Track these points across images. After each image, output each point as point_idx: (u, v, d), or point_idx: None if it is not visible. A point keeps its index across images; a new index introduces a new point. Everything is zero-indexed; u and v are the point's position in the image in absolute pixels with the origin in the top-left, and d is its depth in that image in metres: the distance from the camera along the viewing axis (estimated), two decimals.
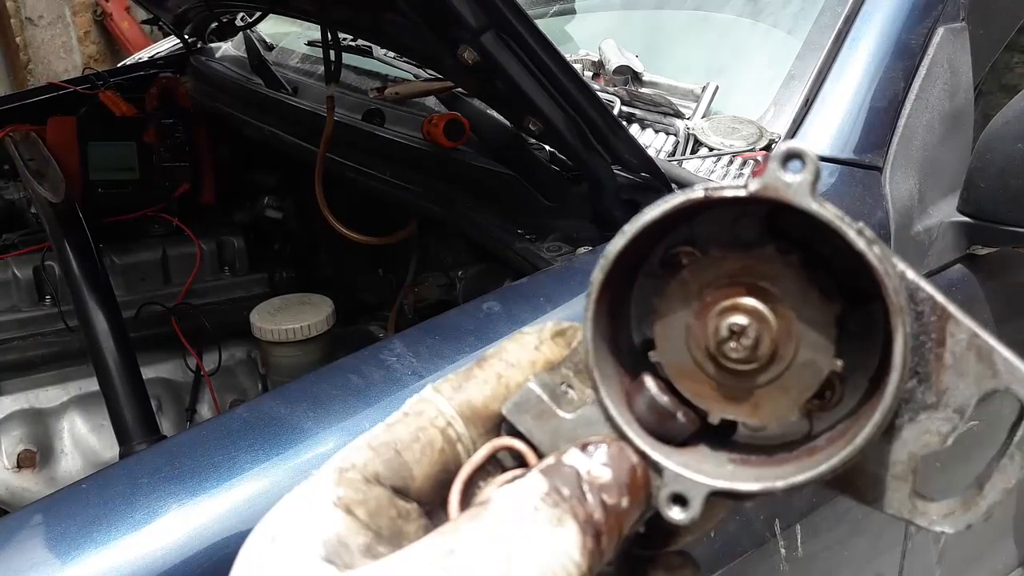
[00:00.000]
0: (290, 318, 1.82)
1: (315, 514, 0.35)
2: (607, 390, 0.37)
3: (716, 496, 0.36)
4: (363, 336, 1.83)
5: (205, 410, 1.95)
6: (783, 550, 1.14)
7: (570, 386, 0.39)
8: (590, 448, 0.36)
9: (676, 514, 0.36)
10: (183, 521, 0.80)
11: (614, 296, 0.38)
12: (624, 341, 0.40)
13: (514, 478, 0.35)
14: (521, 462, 0.39)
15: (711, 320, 0.37)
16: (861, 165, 1.24)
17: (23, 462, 1.80)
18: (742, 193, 0.34)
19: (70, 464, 1.83)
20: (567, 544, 0.32)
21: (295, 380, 0.97)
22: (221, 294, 2.11)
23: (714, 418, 0.38)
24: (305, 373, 0.98)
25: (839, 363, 0.36)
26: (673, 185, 1.19)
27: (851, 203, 1.23)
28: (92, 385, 1.73)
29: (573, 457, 0.35)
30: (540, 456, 0.38)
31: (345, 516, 0.35)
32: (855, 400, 0.38)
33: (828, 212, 0.34)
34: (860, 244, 0.34)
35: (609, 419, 0.37)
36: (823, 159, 1.24)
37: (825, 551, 1.21)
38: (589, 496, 0.34)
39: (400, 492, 0.37)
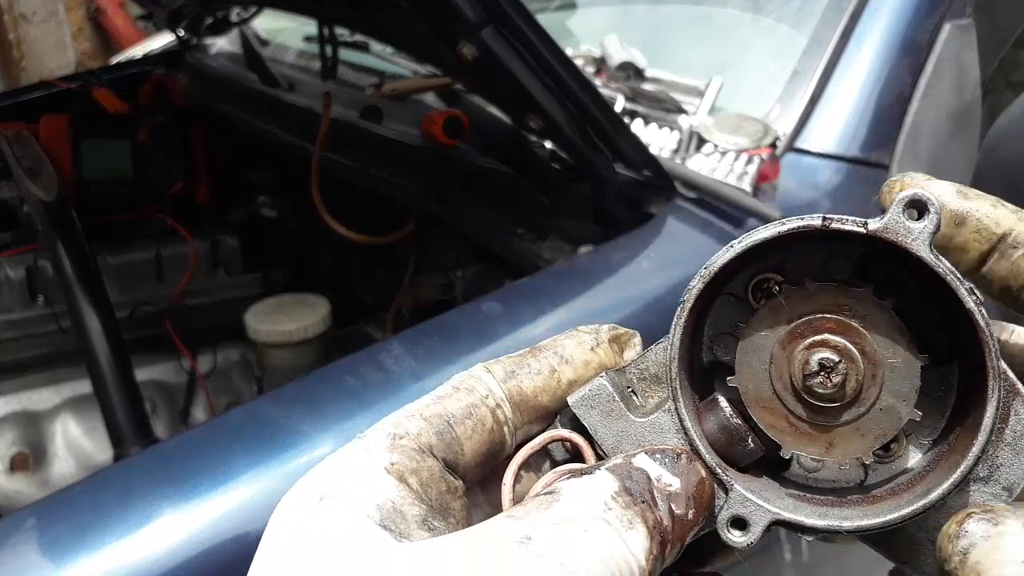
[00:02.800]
0: (286, 319, 1.80)
1: (367, 477, 0.34)
2: (683, 403, 0.37)
3: (776, 525, 0.35)
4: (360, 337, 1.82)
5: (199, 413, 1.94)
6: (788, 555, 1.13)
7: (633, 392, 0.39)
8: (659, 455, 0.35)
9: (735, 537, 0.35)
10: (177, 525, 0.79)
11: (697, 311, 0.38)
12: (696, 358, 0.40)
13: (580, 472, 0.34)
14: (574, 456, 0.39)
15: (799, 353, 0.36)
16: (868, 163, 1.23)
17: (16, 465, 1.78)
18: (862, 230, 0.35)
19: (63, 467, 1.82)
20: (636, 547, 0.32)
21: (291, 382, 0.96)
22: (216, 294, 2.09)
23: (786, 452, 0.37)
24: (301, 375, 0.98)
25: (919, 414, 0.36)
26: (676, 184, 1.17)
27: (857, 202, 1.22)
28: (85, 387, 1.71)
29: (643, 461, 0.35)
30: (600, 455, 0.38)
31: (398, 484, 0.34)
32: (915, 457, 0.38)
33: (944, 266, 0.34)
34: (970, 303, 0.33)
35: (684, 430, 0.37)
36: (829, 157, 1.23)
37: (831, 557, 1.20)
38: (660, 503, 0.33)
39: (449, 466, 0.36)
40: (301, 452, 0.85)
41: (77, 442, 1.84)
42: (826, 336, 0.36)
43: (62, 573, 0.74)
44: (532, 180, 1.32)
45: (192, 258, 2.06)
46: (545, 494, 0.33)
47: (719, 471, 0.36)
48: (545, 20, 1.18)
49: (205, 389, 1.94)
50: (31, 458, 1.80)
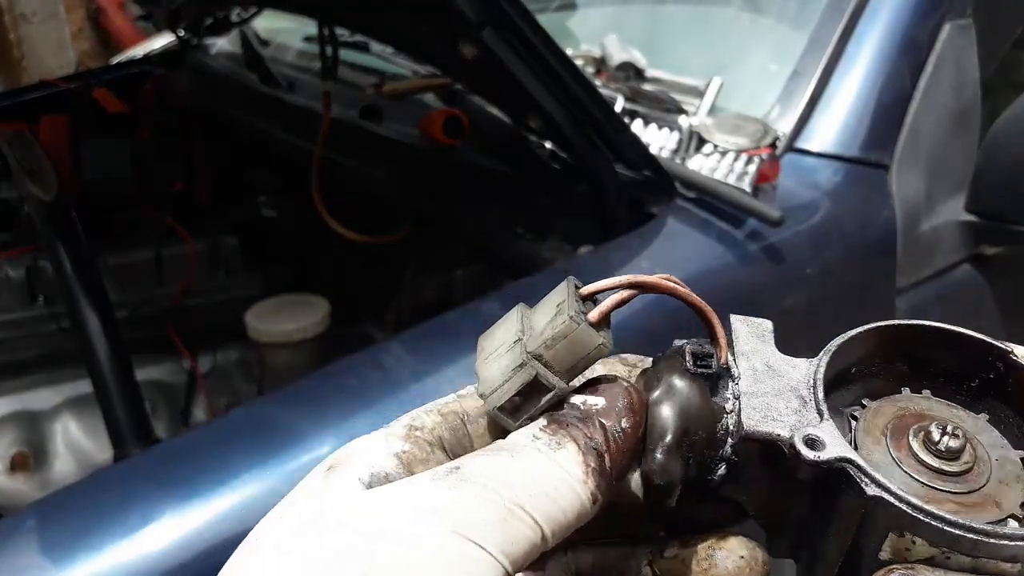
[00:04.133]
0: (286, 319, 1.80)
1: (375, 456, 0.36)
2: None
3: (846, 463, 0.34)
4: (360, 337, 1.82)
5: (200, 413, 1.94)
6: None
7: None
8: (583, 389, 0.37)
9: (806, 452, 0.34)
10: (177, 526, 0.79)
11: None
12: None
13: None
14: None
15: (913, 434, 0.36)
16: (868, 163, 1.23)
17: (16, 465, 1.78)
18: None
19: (63, 467, 1.82)
20: (567, 463, 0.33)
21: (291, 382, 0.96)
22: (216, 295, 2.09)
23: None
24: (301, 375, 0.97)
25: None
26: (676, 184, 1.17)
27: (857, 202, 1.22)
28: (85, 387, 1.71)
29: (573, 398, 0.36)
30: None
31: (404, 469, 0.36)
32: None
33: None
34: None
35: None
36: (829, 157, 1.23)
37: None
38: (587, 421, 0.35)
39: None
40: (301, 452, 0.85)
41: (77, 442, 1.84)
42: (925, 419, 0.37)
43: (62, 573, 0.74)
44: (532, 180, 1.32)
45: (192, 258, 2.05)
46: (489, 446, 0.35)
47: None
48: (545, 20, 1.18)
49: (205, 389, 1.94)
50: (31, 458, 1.80)
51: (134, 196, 2.10)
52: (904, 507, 0.33)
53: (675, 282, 0.38)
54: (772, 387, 0.37)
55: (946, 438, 0.35)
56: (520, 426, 0.36)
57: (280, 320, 1.81)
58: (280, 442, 0.86)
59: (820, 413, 0.36)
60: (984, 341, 0.38)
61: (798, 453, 0.34)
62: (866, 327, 0.38)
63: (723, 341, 0.39)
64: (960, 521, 0.32)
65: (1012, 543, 0.32)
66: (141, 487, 0.82)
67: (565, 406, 0.36)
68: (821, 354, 0.38)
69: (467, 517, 0.31)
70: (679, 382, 0.37)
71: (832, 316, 1.18)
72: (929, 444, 0.36)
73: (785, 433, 0.35)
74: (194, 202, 2.20)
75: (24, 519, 0.80)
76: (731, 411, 0.37)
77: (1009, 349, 0.37)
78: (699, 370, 0.37)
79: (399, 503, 0.32)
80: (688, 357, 0.37)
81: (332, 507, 0.33)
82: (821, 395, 0.36)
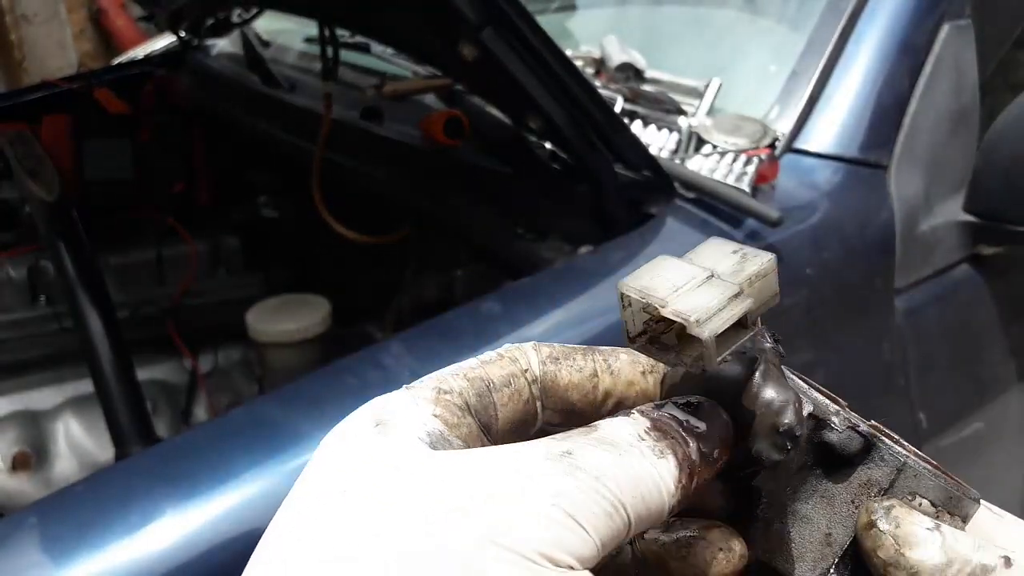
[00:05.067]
0: (287, 319, 1.81)
1: (418, 414, 0.35)
2: None
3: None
4: (361, 337, 1.82)
5: (201, 412, 1.94)
6: None
7: None
8: (684, 404, 0.37)
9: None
10: (178, 524, 0.79)
11: None
12: None
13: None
14: None
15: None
16: (866, 163, 1.23)
17: (18, 464, 1.79)
18: None
19: (65, 466, 1.82)
20: (665, 474, 0.34)
21: (292, 382, 0.96)
22: (217, 295, 2.10)
23: None
24: (302, 375, 0.98)
25: None
26: (676, 184, 1.17)
27: (856, 202, 1.22)
28: (87, 387, 1.71)
29: (672, 408, 0.37)
30: None
31: (441, 423, 0.36)
32: None
33: None
34: None
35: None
36: (828, 157, 1.23)
37: None
38: (689, 441, 0.35)
39: (483, 429, 0.38)
40: (302, 452, 0.85)
41: (79, 441, 1.84)
42: None
43: (63, 572, 0.74)
44: (532, 180, 1.33)
45: (193, 258, 2.06)
46: (585, 428, 0.35)
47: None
48: (545, 21, 1.19)
49: (206, 389, 1.94)
50: (33, 457, 1.80)
51: (135, 196, 2.11)
52: (927, 471, 0.36)
53: None
54: None
55: None
56: (720, 362, 0.35)
57: (281, 320, 1.81)
58: (281, 441, 0.86)
59: (830, 402, 0.38)
60: (829, 394, 0.40)
61: (855, 426, 0.37)
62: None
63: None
64: (962, 483, 0.37)
65: (976, 503, 0.37)
66: (142, 486, 0.83)
67: (668, 415, 0.36)
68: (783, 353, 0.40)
69: (583, 506, 0.31)
70: (781, 369, 0.38)
71: (831, 316, 1.18)
72: None
73: (831, 415, 0.37)
74: (195, 202, 2.21)
75: (25, 518, 0.81)
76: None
77: (844, 403, 0.40)
78: (780, 350, 0.38)
79: (509, 471, 0.32)
80: (769, 339, 0.38)
81: (423, 469, 0.32)
82: (821, 391, 0.39)
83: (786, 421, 0.36)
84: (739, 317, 0.35)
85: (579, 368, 0.40)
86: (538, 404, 0.40)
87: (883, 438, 0.37)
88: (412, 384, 0.38)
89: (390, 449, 0.34)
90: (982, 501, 0.39)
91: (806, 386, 0.39)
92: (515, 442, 0.38)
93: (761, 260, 0.36)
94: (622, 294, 0.36)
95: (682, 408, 0.36)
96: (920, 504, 0.36)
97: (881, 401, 1.24)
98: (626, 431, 0.35)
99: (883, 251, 1.22)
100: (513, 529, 0.30)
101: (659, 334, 0.37)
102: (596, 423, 0.35)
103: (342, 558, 0.30)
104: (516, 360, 0.40)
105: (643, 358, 0.41)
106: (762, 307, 0.36)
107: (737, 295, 0.35)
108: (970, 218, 1.28)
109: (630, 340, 0.37)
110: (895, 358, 1.24)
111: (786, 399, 0.36)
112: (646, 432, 0.35)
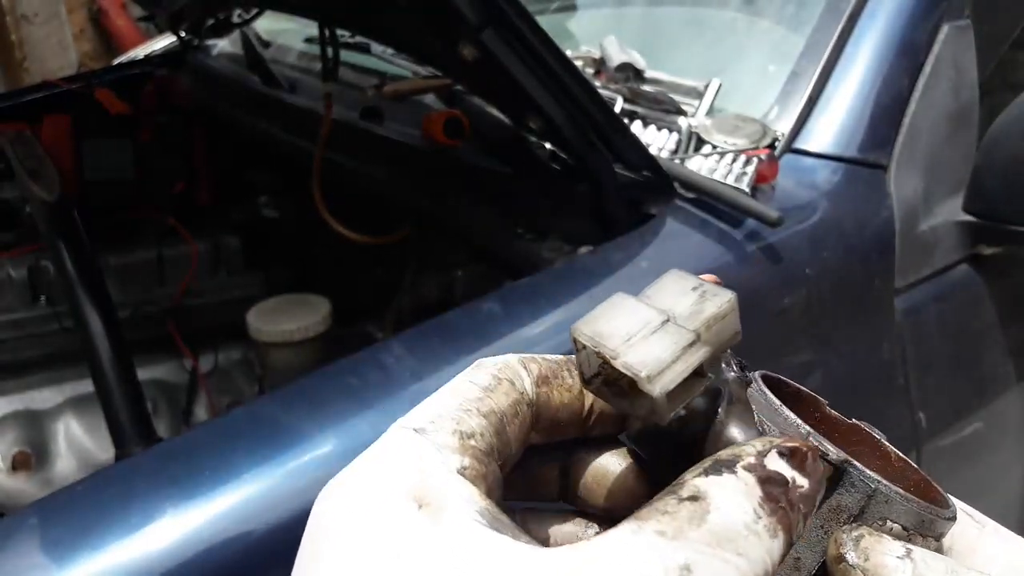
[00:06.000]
0: (287, 319, 1.81)
1: (452, 481, 0.31)
2: None
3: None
4: (361, 337, 1.82)
5: (201, 412, 1.94)
6: None
7: None
8: (788, 456, 0.34)
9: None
10: (178, 525, 0.79)
11: None
12: None
13: (713, 466, 0.32)
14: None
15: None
16: (866, 164, 1.23)
17: (18, 464, 1.79)
18: None
19: (65, 466, 1.82)
20: (775, 553, 0.31)
21: (292, 382, 0.96)
22: (217, 295, 2.10)
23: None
24: (302, 375, 0.98)
25: None
26: (675, 184, 1.18)
27: (856, 202, 1.22)
28: (87, 387, 1.72)
29: (776, 463, 0.33)
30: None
31: (476, 490, 0.31)
32: None
33: None
34: None
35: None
36: (828, 157, 1.23)
37: None
38: (796, 505, 0.32)
39: (501, 468, 0.35)
40: (302, 451, 0.85)
41: (79, 441, 1.84)
42: None
43: (64, 572, 0.74)
44: (532, 181, 1.33)
45: (194, 258, 2.06)
46: (689, 499, 0.31)
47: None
48: (545, 21, 1.19)
49: (207, 389, 1.95)
50: (33, 457, 1.80)
51: (136, 196, 2.11)
52: (898, 496, 0.35)
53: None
54: None
55: (834, 453, 0.38)
56: (674, 416, 0.33)
57: (281, 320, 1.81)
58: (281, 441, 0.86)
59: (799, 425, 0.37)
60: (808, 394, 0.40)
61: (824, 455, 0.35)
62: (764, 373, 0.39)
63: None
64: (934, 506, 0.36)
65: (950, 521, 0.36)
66: (143, 486, 0.82)
67: (772, 473, 0.32)
68: (755, 382, 0.39)
69: None
70: (746, 400, 0.37)
71: (830, 316, 1.18)
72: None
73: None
74: (195, 202, 2.21)
75: (25, 517, 0.80)
76: (756, 422, 0.37)
77: (825, 402, 0.40)
78: (745, 376, 0.38)
79: None
80: (734, 367, 0.37)
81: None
82: (790, 413, 0.37)
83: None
84: (693, 369, 0.33)
85: (568, 387, 0.38)
86: (531, 429, 0.37)
87: (854, 463, 0.35)
88: (423, 426, 0.33)
89: (452, 544, 0.28)
90: (965, 509, 0.39)
91: (776, 405, 0.37)
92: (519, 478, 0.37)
93: (720, 301, 0.34)
94: (575, 339, 0.34)
95: (788, 460, 0.33)
96: (891, 528, 0.35)
97: (880, 401, 1.24)
98: (740, 510, 0.30)
99: (882, 251, 1.22)
100: None
101: (613, 379, 0.34)
102: (697, 487, 0.31)
103: None
104: (513, 382, 0.36)
105: None
106: (720, 349, 0.34)
107: (692, 344, 0.33)
108: (970, 218, 1.29)
109: (585, 383, 0.35)
110: (894, 358, 1.24)
111: (748, 439, 0.35)
112: (760, 506, 0.31)
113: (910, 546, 0.34)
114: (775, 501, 0.31)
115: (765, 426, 0.36)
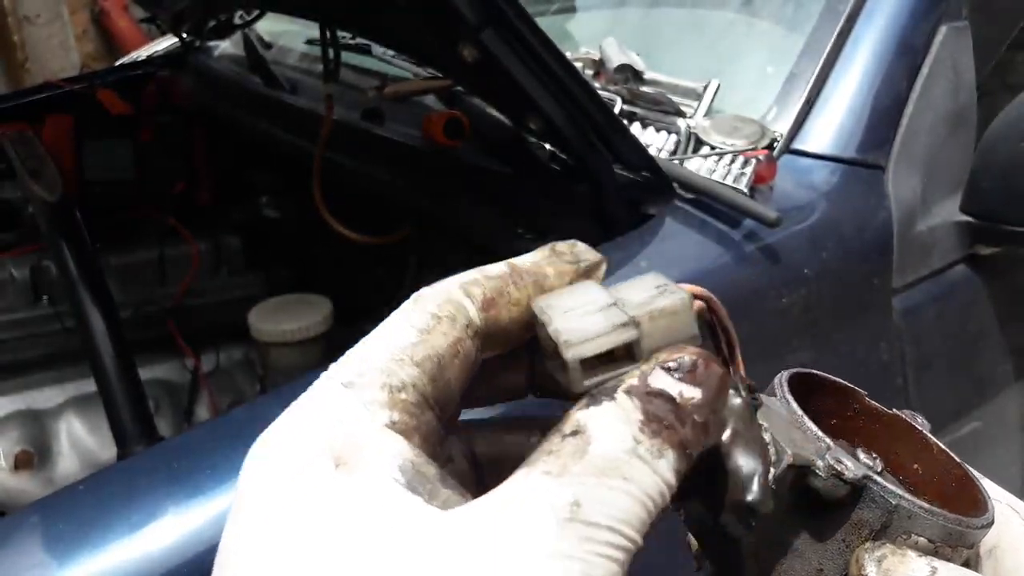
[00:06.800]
0: (288, 319, 1.81)
1: (375, 436, 0.30)
2: None
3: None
4: (362, 337, 1.82)
5: (203, 412, 1.95)
6: None
7: None
8: (674, 370, 0.33)
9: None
10: (180, 523, 0.79)
11: None
12: None
13: (595, 398, 0.32)
14: None
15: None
16: (864, 164, 1.23)
17: (20, 463, 1.79)
18: None
19: (67, 465, 1.83)
20: (665, 472, 0.31)
21: (293, 381, 0.96)
22: (218, 295, 2.10)
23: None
24: (303, 374, 0.98)
25: None
26: (674, 185, 1.18)
27: (854, 203, 1.23)
28: (89, 386, 1.72)
29: (661, 379, 0.32)
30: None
31: (406, 442, 0.31)
32: None
33: None
34: None
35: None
36: (826, 158, 1.23)
37: None
38: (684, 420, 0.32)
39: (440, 413, 0.34)
40: None
41: (81, 441, 1.85)
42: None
43: (65, 570, 0.74)
44: (532, 181, 1.33)
45: (195, 258, 2.07)
46: (571, 434, 0.31)
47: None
48: (545, 23, 1.19)
49: (208, 388, 1.95)
50: (35, 456, 1.81)
51: (137, 196, 2.12)
52: (921, 511, 0.35)
53: (714, 302, 0.38)
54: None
55: (865, 457, 0.38)
56: (586, 388, 0.32)
57: (282, 320, 1.82)
58: None
59: (820, 439, 0.37)
60: (846, 386, 0.41)
61: (839, 474, 0.35)
62: (795, 371, 0.40)
63: (739, 358, 0.39)
64: (962, 518, 0.35)
65: (982, 530, 0.35)
66: (144, 485, 0.83)
67: (654, 393, 0.32)
68: (779, 389, 0.39)
69: (606, 569, 0.28)
70: (755, 422, 0.36)
71: (829, 316, 1.18)
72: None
73: (816, 457, 0.36)
74: (196, 203, 2.22)
75: (27, 516, 0.81)
76: (768, 441, 0.36)
77: (864, 393, 0.41)
78: (753, 402, 0.36)
79: (520, 553, 0.27)
80: (743, 391, 0.36)
81: (406, 535, 0.28)
82: (812, 425, 0.37)
83: (749, 498, 0.33)
84: (615, 346, 0.33)
85: (515, 301, 0.36)
86: (479, 355, 0.36)
87: (874, 478, 0.35)
88: (351, 379, 0.33)
89: (359, 505, 0.29)
90: (1013, 504, 0.38)
91: (798, 415, 0.37)
92: (464, 409, 0.36)
93: (674, 298, 0.34)
94: (532, 311, 0.35)
95: (673, 374, 0.33)
96: (917, 542, 0.35)
97: (879, 401, 1.24)
98: (620, 438, 0.30)
99: (881, 251, 1.23)
100: None
101: (549, 347, 0.34)
102: (578, 421, 0.31)
103: None
104: (455, 318, 0.35)
105: (568, 268, 0.38)
106: (663, 343, 0.34)
107: (624, 325, 0.33)
108: (967, 218, 1.29)
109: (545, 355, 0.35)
110: (893, 358, 1.24)
111: (752, 470, 0.34)
112: (640, 430, 0.30)
113: (936, 563, 0.33)
114: (658, 420, 0.31)
115: (782, 444, 0.36)
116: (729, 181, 1.17)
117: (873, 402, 0.41)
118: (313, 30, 1.94)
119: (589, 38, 1.59)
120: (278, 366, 1.84)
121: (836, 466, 0.35)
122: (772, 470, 0.35)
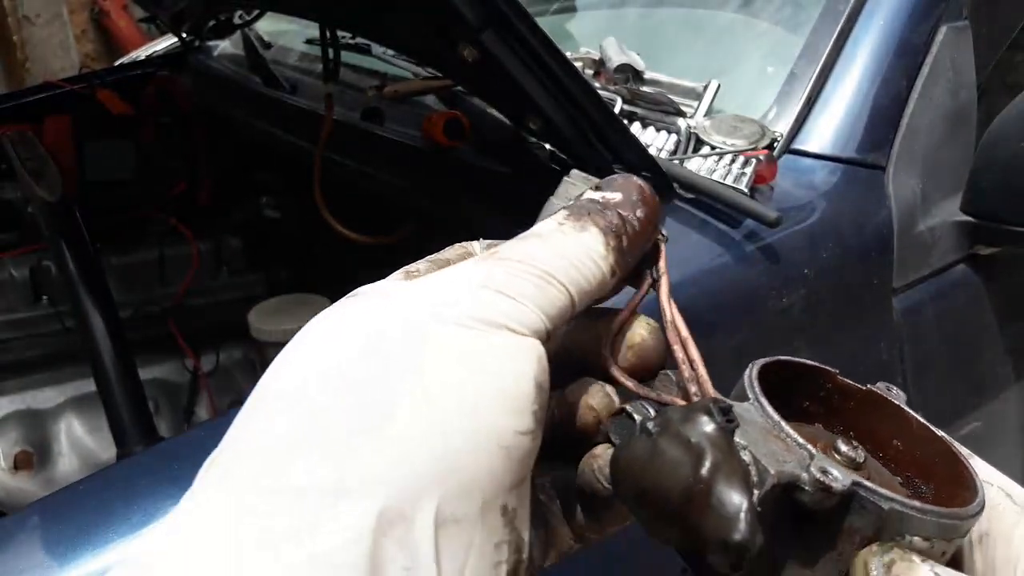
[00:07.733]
0: (289, 319, 1.81)
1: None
2: None
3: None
4: None
5: (203, 412, 1.95)
6: None
7: None
8: (600, 185, 0.41)
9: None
10: None
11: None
12: None
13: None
14: None
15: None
16: (864, 164, 1.23)
17: (20, 463, 1.79)
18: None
19: (67, 465, 1.83)
20: (591, 241, 0.38)
21: None
22: (219, 294, 2.11)
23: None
24: None
25: None
26: (675, 185, 1.18)
27: (854, 203, 1.23)
28: (89, 386, 1.72)
29: (591, 193, 0.40)
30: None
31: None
32: None
33: None
34: None
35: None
36: (826, 158, 1.23)
37: None
38: (607, 210, 0.39)
39: None
40: None
41: (81, 441, 1.85)
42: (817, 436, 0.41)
43: (65, 571, 0.74)
44: (532, 180, 1.33)
45: (195, 258, 2.07)
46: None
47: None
48: (545, 23, 1.19)
49: (208, 388, 1.95)
50: (35, 457, 1.81)
51: (137, 196, 2.12)
52: (913, 511, 0.34)
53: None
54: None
55: (847, 448, 0.38)
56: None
57: (282, 320, 1.82)
58: None
59: (802, 446, 0.36)
60: (815, 366, 0.41)
61: (827, 487, 0.34)
62: (763, 363, 0.40)
63: (704, 373, 0.39)
64: (954, 510, 0.35)
65: (975, 518, 0.35)
66: (144, 485, 0.82)
67: (585, 200, 0.40)
68: (750, 390, 0.38)
69: (511, 282, 0.35)
70: (730, 445, 0.35)
71: (829, 316, 1.18)
72: (839, 456, 0.37)
73: (801, 471, 0.34)
74: (197, 202, 2.22)
75: (27, 517, 0.81)
76: (749, 462, 0.35)
77: (835, 371, 0.41)
78: (730, 426, 0.35)
79: (449, 275, 0.36)
80: (718, 416, 0.35)
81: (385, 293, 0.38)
82: (792, 432, 0.36)
83: (736, 537, 0.32)
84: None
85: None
86: None
87: (864, 483, 0.34)
88: (390, 278, 0.40)
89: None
90: (1005, 487, 0.38)
91: (775, 420, 0.36)
92: None
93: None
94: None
95: (596, 189, 0.40)
96: (911, 542, 0.34)
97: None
98: (547, 224, 0.38)
99: (881, 251, 1.23)
100: (448, 307, 0.34)
101: None
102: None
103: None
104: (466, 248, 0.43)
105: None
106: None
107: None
108: (967, 218, 1.29)
109: None
110: (893, 358, 1.24)
111: (736, 506, 0.32)
112: (564, 218, 0.38)
113: (938, 568, 0.33)
114: (580, 211, 0.39)
115: (764, 462, 0.34)
116: (729, 181, 1.17)
117: (845, 379, 0.41)
118: (313, 30, 1.94)
119: (589, 38, 1.59)
120: None
121: (822, 478, 0.34)
122: (756, 492, 0.33)
